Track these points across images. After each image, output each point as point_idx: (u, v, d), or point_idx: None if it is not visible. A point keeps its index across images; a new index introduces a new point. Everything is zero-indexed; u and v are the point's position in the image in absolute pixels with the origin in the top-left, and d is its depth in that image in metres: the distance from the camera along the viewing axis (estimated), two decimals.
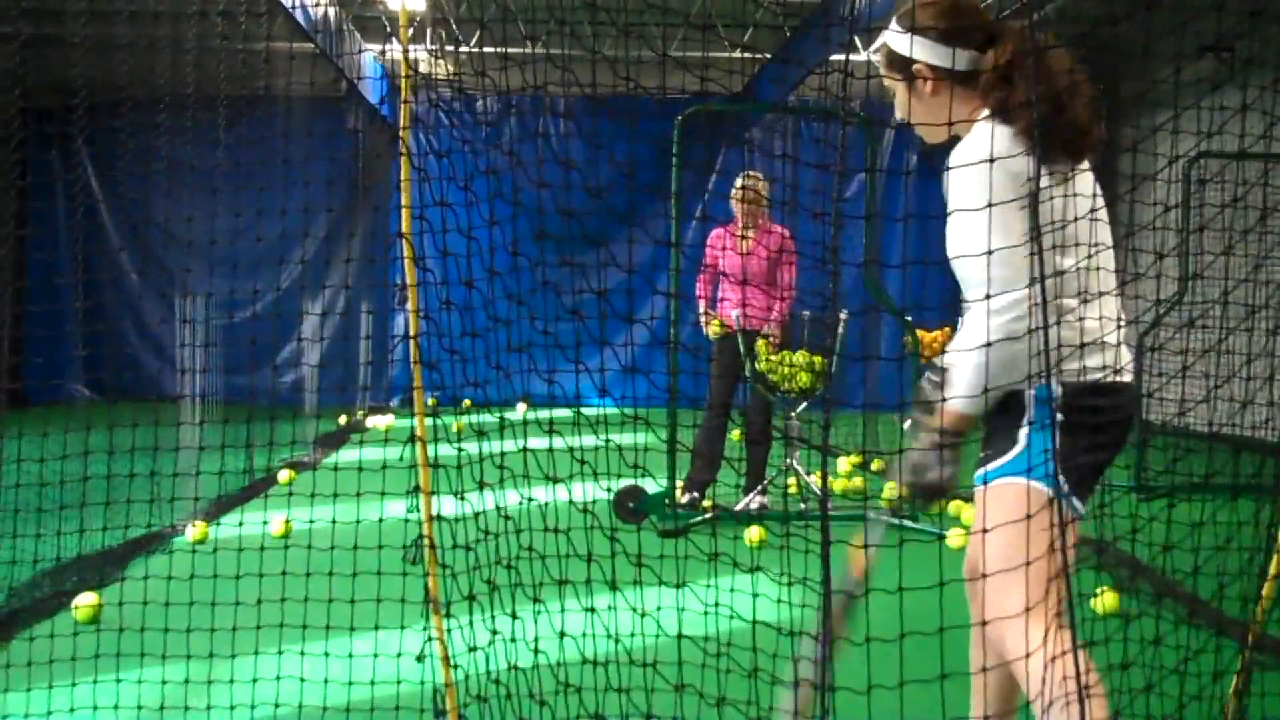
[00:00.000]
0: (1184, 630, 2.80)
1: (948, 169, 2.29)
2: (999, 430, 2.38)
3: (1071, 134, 2.29)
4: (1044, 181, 2.26)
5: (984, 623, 2.46)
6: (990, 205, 2.19)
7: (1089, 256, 2.33)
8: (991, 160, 2.18)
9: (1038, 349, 2.22)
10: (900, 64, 2.45)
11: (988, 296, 2.22)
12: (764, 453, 6.81)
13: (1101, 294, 2.36)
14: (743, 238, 6.64)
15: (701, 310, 6.85)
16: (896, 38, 2.44)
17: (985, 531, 2.31)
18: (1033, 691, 2.22)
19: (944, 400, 2.34)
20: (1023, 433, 2.33)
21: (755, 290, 6.48)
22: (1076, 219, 2.30)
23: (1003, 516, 2.29)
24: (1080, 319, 2.33)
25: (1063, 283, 2.30)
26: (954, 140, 2.43)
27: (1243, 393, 3.10)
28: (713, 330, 6.75)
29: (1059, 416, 2.29)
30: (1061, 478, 2.27)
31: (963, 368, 2.30)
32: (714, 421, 6.70)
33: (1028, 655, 2.22)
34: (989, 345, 2.22)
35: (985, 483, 2.36)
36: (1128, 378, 2.38)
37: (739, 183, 6.74)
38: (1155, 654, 2.71)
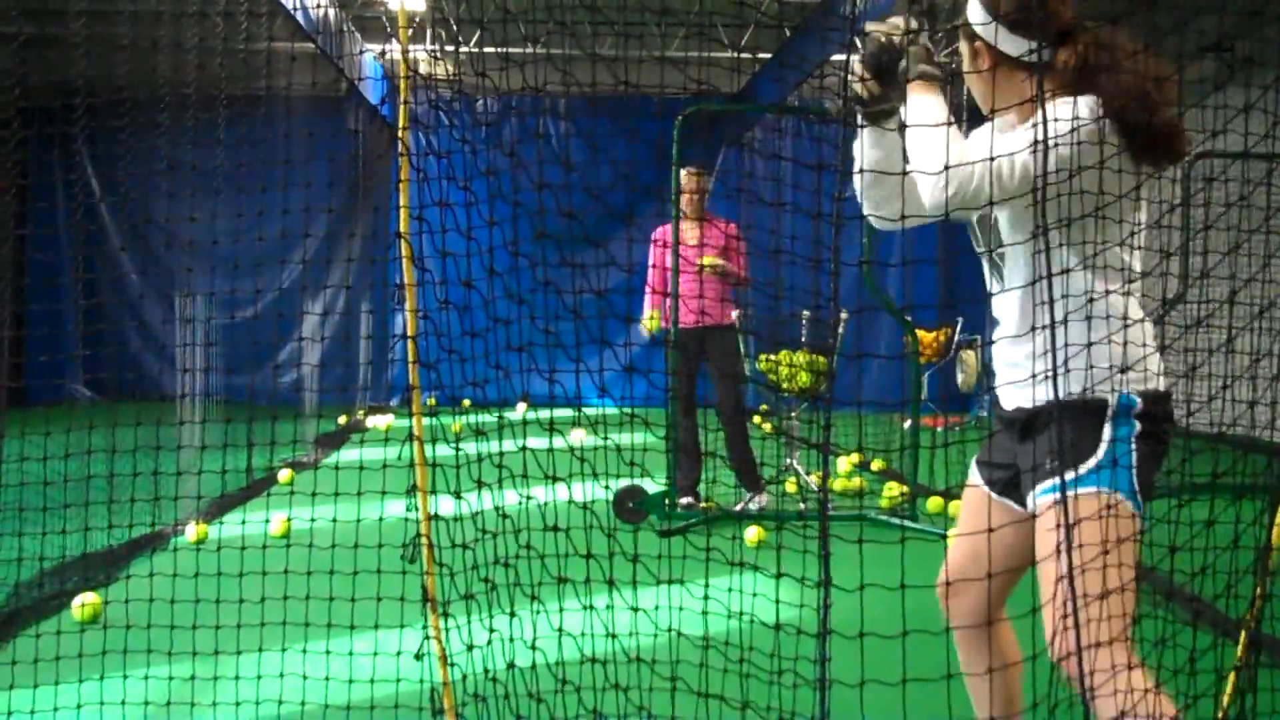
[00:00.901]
0: (1187, 632, 2.80)
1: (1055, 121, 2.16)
2: (1071, 433, 2.22)
3: (1161, 139, 2.25)
4: (1131, 181, 2.24)
5: (989, 623, 2.45)
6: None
7: (1157, 261, 2.34)
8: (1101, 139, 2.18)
9: (1107, 358, 2.21)
10: (969, 31, 2.41)
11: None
12: (742, 450, 6.74)
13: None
14: (683, 228, 6.55)
15: (646, 310, 6.78)
16: (974, 8, 2.39)
17: (1073, 547, 2.13)
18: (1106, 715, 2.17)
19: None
20: (1104, 441, 2.23)
21: (708, 283, 6.41)
22: (1146, 227, 2.31)
23: (1099, 533, 2.16)
24: (1142, 324, 2.31)
25: (1133, 289, 2.30)
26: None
27: (1250, 393, 3.10)
28: (649, 325, 6.68)
29: (1139, 426, 2.24)
30: (1139, 490, 2.22)
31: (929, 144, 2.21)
32: (683, 420, 6.66)
33: (1128, 689, 2.14)
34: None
35: (1065, 491, 2.15)
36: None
37: (684, 177, 6.68)
38: (1159, 654, 2.70)
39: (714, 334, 6.57)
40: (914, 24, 2.33)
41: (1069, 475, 2.19)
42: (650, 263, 6.77)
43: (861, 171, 2.44)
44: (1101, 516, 2.18)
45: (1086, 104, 2.21)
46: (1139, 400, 2.25)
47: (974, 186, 2.18)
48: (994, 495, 2.51)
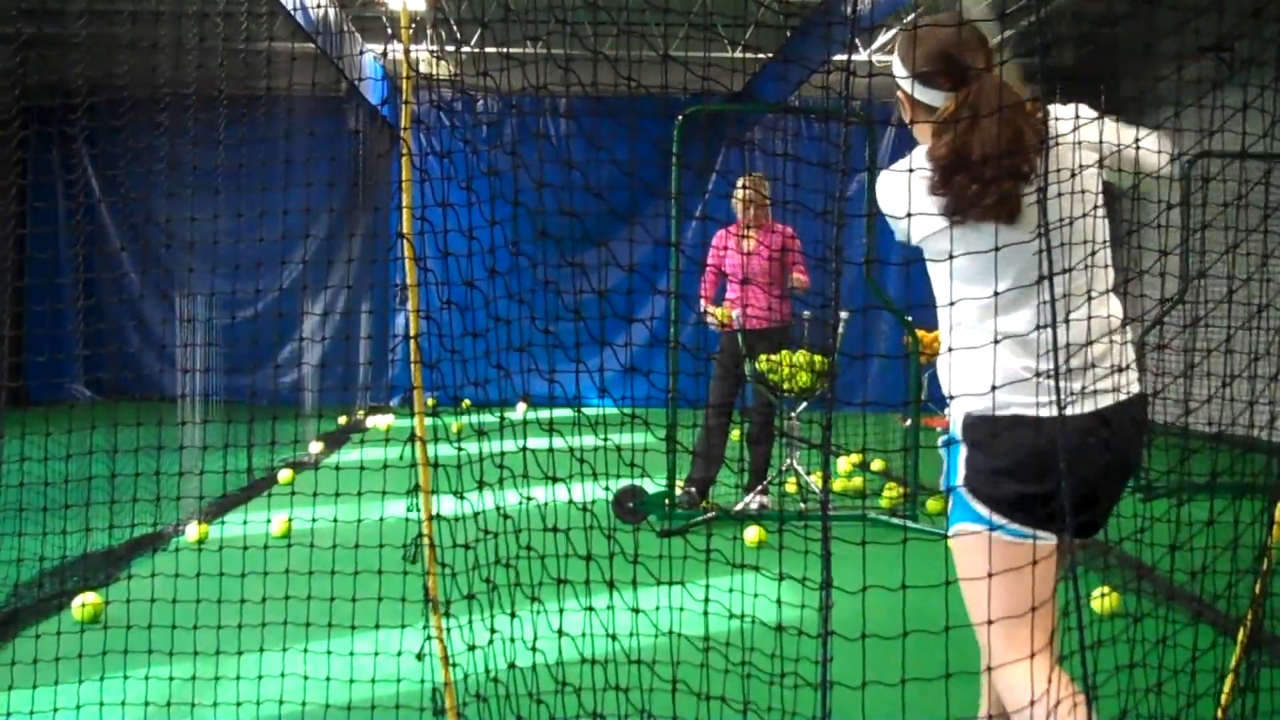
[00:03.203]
0: (1188, 631, 2.80)
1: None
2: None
3: (966, 197, 2.25)
4: (937, 227, 2.30)
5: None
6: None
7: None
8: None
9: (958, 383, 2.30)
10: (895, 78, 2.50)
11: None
12: (766, 451, 6.82)
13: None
14: (744, 237, 6.64)
15: (704, 309, 6.84)
16: (894, 62, 2.47)
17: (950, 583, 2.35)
18: None
19: None
20: (941, 479, 2.40)
21: (757, 290, 6.48)
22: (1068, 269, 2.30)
23: (963, 568, 2.31)
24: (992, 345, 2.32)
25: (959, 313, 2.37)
26: None
27: (1249, 392, 3.10)
28: (719, 315, 6.71)
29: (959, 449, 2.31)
30: (985, 507, 2.26)
31: None
32: (715, 421, 6.70)
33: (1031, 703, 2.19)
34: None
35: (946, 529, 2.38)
36: (1040, 413, 2.25)
37: (740, 183, 6.75)
38: (1160, 654, 2.71)
39: (761, 336, 6.62)
40: None
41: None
42: (708, 262, 6.81)
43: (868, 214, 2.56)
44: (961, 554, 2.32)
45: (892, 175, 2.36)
46: (958, 436, 2.33)
47: None
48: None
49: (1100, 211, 2.31)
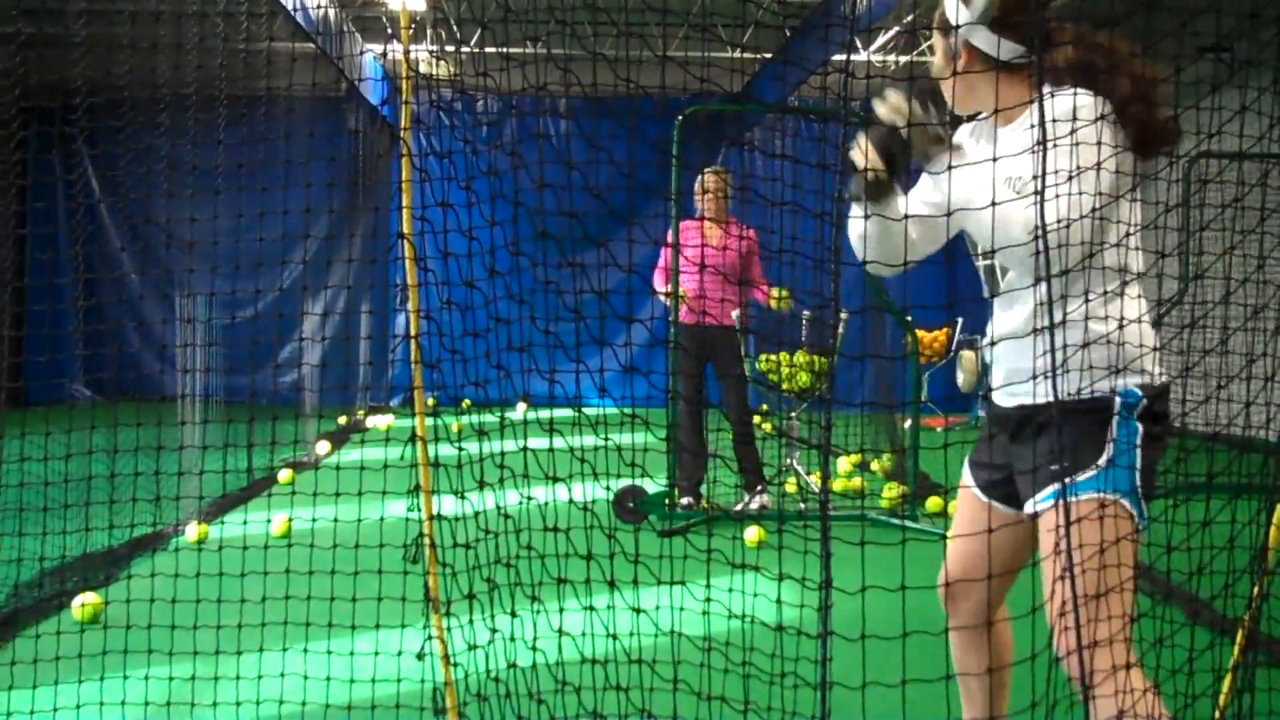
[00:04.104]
0: (1186, 632, 2.80)
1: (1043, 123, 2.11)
2: (1073, 436, 2.19)
3: (1160, 133, 2.26)
4: (1127, 182, 2.25)
5: (990, 623, 2.46)
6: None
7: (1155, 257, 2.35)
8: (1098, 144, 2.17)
9: (1106, 356, 2.20)
10: (946, 29, 2.38)
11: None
12: (751, 450, 6.77)
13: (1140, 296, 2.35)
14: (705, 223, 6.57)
15: (661, 290, 6.72)
16: (952, 6, 2.35)
17: (1073, 548, 2.09)
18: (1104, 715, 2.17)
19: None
20: (1107, 443, 2.21)
21: (714, 282, 6.41)
22: (1142, 227, 2.30)
23: (1098, 536, 2.14)
24: (1140, 322, 2.29)
25: (1130, 288, 2.29)
26: (975, 112, 2.44)
27: (1245, 393, 3.10)
28: (664, 294, 6.60)
29: (1141, 427, 2.21)
30: (1140, 490, 2.21)
31: None
32: (687, 420, 6.66)
33: (1127, 690, 2.14)
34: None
35: (1066, 497, 2.12)
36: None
37: (708, 177, 6.68)
38: (1157, 654, 2.71)
39: (720, 334, 6.58)
40: (917, 107, 2.30)
41: (1070, 480, 2.17)
42: (660, 264, 6.77)
43: (865, 242, 2.46)
44: (1101, 519, 2.17)
45: (1085, 102, 2.21)
46: (1142, 395, 2.24)
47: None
48: (989, 499, 2.51)
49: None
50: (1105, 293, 2.27)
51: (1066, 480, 2.15)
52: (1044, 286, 2.10)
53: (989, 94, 2.31)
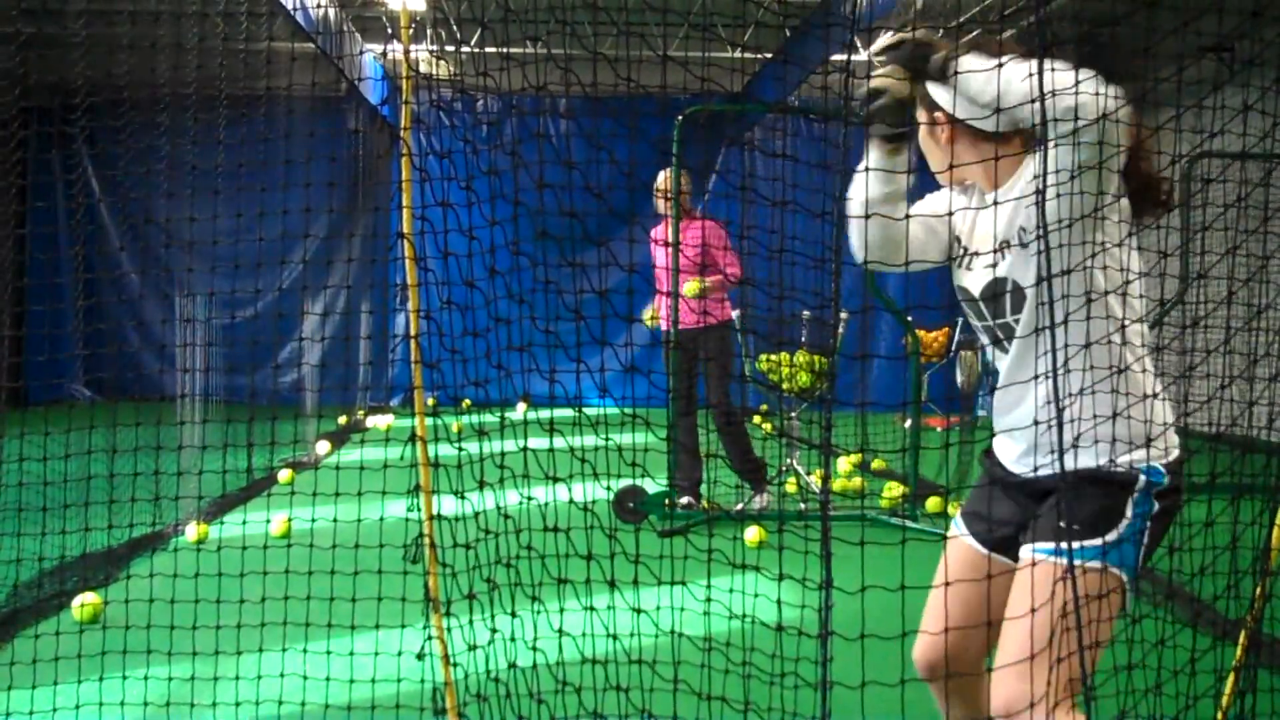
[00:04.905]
0: (1187, 633, 2.80)
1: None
2: (1095, 506, 2.15)
3: (1153, 187, 2.23)
4: (1124, 231, 2.19)
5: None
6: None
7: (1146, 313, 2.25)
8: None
9: (1127, 430, 2.14)
10: (928, 103, 2.31)
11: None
12: (738, 440, 6.71)
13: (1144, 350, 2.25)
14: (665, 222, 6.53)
15: (649, 308, 6.74)
16: (936, 86, 2.28)
17: (1032, 611, 2.10)
18: None
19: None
20: (1125, 518, 2.15)
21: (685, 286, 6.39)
22: (1140, 274, 2.22)
23: (1087, 607, 2.06)
24: (1158, 396, 2.21)
25: (1132, 341, 2.21)
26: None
27: (1247, 393, 3.11)
28: (648, 320, 6.64)
29: (1157, 505, 2.16)
30: (1139, 568, 2.16)
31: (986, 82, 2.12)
32: (681, 420, 6.64)
33: None
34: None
35: (1070, 560, 2.07)
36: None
37: (660, 179, 6.63)
38: (1159, 655, 2.71)
39: (705, 335, 6.56)
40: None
41: (1078, 545, 2.11)
42: (653, 261, 6.77)
43: (867, 217, 2.32)
44: (1099, 592, 2.12)
45: (1086, 100, 2.15)
46: (1166, 475, 2.18)
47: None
48: (989, 552, 2.38)
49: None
50: (1113, 369, 2.17)
51: (1075, 545, 2.09)
52: (1046, 358, 2.04)
53: (978, 165, 2.29)
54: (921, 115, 2.36)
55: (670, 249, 6.34)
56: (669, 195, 6.51)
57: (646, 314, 6.73)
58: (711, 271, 6.55)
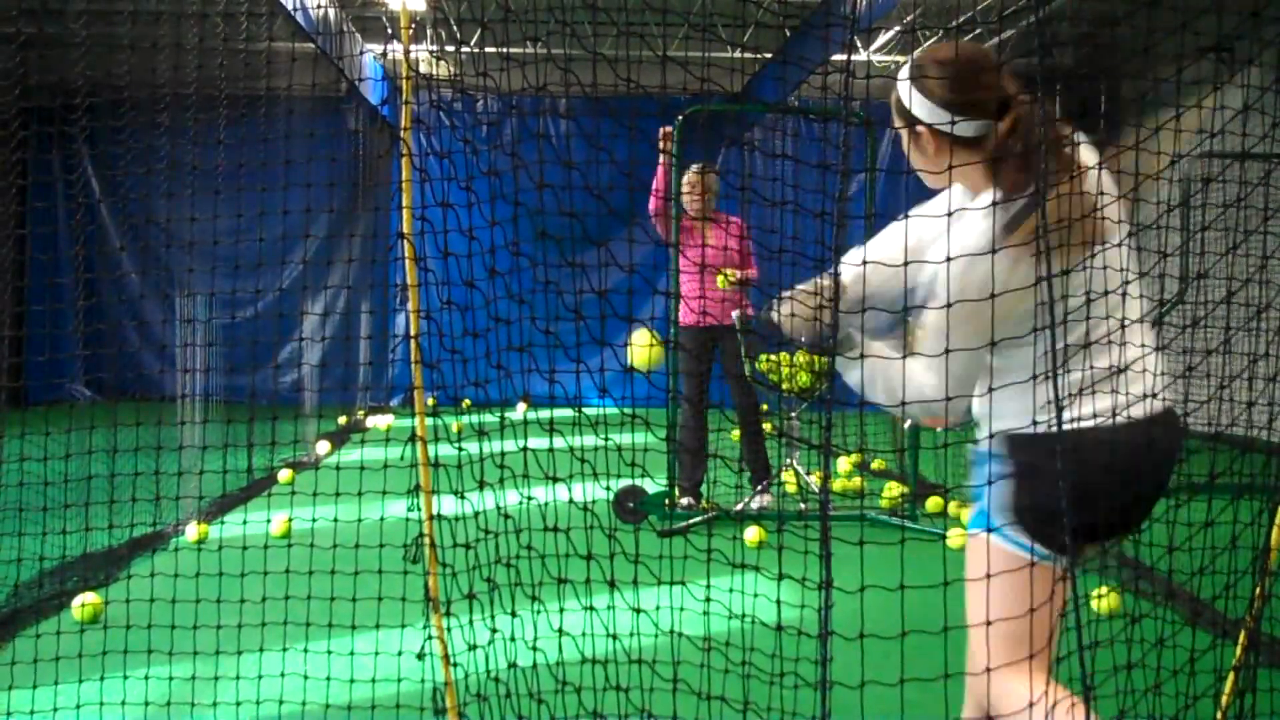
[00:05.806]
0: (1187, 632, 2.81)
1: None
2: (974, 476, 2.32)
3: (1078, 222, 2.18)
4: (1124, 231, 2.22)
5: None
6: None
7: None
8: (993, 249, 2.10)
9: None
10: (904, 115, 2.33)
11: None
12: (760, 443, 6.79)
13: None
14: (702, 223, 6.54)
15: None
16: (904, 90, 2.30)
17: (949, 584, 2.30)
18: None
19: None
20: (988, 482, 2.26)
21: (713, 281, 6.41)
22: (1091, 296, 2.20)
23: (972, 572, 2.26)
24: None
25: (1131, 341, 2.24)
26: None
27: (1247, 393, 3.11)
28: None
29: (1001, 469, 2.23)
30: (1020, 529, 2.20)
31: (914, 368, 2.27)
32: (691, 420, 6.66)
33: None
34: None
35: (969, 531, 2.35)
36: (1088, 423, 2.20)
37: (688, 176, 6.63)
38: (1158, 654, 2.71)
39: (723, 333, 6.57)
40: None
41: (968, 514, 2.35)
42: (654, 193, 6.59)
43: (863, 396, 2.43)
44: (978, 558, 2.25)
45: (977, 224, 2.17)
46: (997, 445, 2.25)
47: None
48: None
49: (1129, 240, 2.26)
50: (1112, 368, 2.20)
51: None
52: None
53: (959, 172, 2.29)
54: (903, 135, 2.38)
55: (704, 249, 6.37)
56: (698, 194, 6.53)
57: (728, 274, 6.58)
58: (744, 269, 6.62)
